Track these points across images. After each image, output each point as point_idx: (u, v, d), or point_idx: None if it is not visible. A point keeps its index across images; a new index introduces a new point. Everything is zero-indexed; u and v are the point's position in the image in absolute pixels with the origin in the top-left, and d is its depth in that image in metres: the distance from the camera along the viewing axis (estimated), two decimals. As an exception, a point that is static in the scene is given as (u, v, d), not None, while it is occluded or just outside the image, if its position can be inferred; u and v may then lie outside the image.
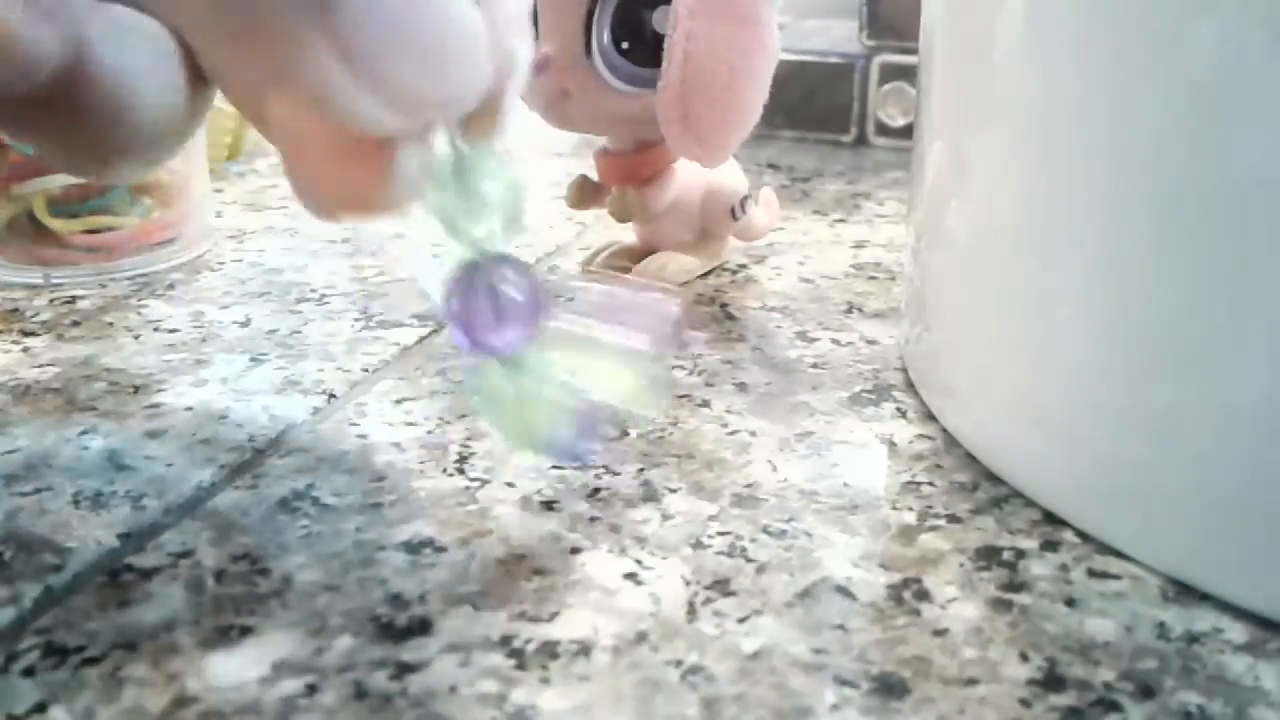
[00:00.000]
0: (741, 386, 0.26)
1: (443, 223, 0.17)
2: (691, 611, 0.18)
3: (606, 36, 0.28)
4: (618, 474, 0.22)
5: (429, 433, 0.23)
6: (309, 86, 0.14)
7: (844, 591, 0.18)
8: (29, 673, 0.16)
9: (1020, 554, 0.19)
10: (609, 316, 0.19)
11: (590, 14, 0.28)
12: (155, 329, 0.29)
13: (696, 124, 0.27)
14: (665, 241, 0.32)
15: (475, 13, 0.15)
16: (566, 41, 0.28)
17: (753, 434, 0.23)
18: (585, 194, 0.32)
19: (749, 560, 0.19)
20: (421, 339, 0.28)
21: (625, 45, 0.28)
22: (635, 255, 0.33)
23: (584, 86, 0.28)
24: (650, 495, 0.21)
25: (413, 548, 0.19)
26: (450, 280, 0.18)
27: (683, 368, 0.27)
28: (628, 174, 0.31)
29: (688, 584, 0.18)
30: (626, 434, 0.23)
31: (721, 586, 0.18)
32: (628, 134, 0.30)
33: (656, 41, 0.27)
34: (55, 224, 0.31)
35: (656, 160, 0.30)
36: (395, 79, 0.14)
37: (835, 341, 0.28)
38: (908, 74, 0.47)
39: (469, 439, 0.23)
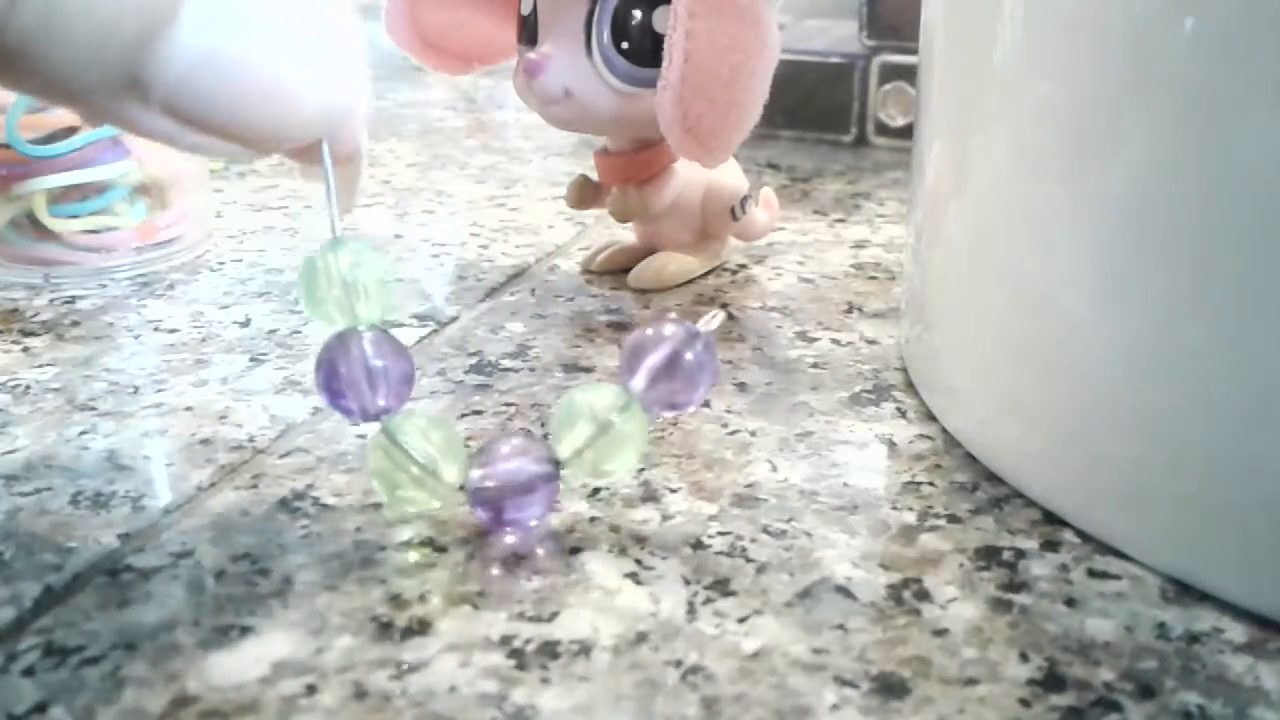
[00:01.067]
0: (741, 386, 0.26)
1: (318, 308, 0.19)
2: (691, 611, 0.18)
3: (606, 36, 0.28)
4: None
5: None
6: (155, 136, 0.16)
7: (844, 591, 0.18)
8: (29, 673, 0.16)
9: (1020, 554, 0.19)
10: None
11: (590, 14, 0.28)
12: (155, 329, 0.29)
13: (696, 124, 0.27)
14: (665, 241, 0.32)
15: (284, 66, 0.16)
16: (566, 41, 0.28)
17: (753, 434, 0.23)
18: (585, 194, 0.32)
19: (749, 560, 0.19)
20: (421, 339, 0.28)
21: (625, 45, 0.28)
22: (635, 255, 0.33)
23: (584, 86, 0.28)
24: (650, 495, 0.21)
25: (413, 548, 0.19)
26: (322, 354, 0.19)
27: (683, 368, 0.27)
28: (628, 174, 0.31)
29: (688, 584, 0.18)
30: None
31: (721, 586, 0.18)
32: (628, 134, 0.30)
33: (656, 41, 0.27)
34: (55, 224, 0.31)
35: (656, 160, 0.30)
36: (223, 129, 0.16)
37: (835, 341, 0.28)
38: (908, 74, 0.47)
39: (469, 439, 0.23)
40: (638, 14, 0.27)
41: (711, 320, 0.19)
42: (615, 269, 0.33)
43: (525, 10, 0.29)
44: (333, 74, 0.17)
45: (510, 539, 0.19)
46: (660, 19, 0.27)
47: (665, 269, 0.32)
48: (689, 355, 0.19)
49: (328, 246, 0.19)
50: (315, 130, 0.17)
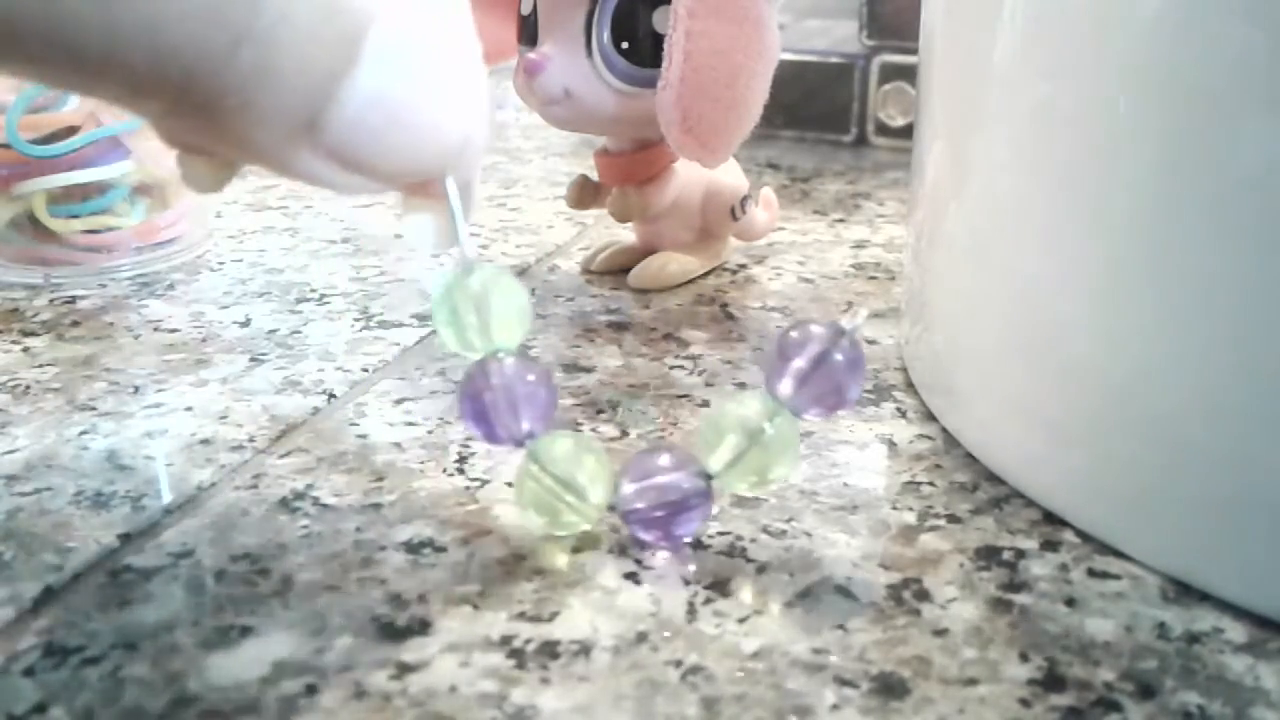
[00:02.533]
0: (741, 387, 0.26)
1: (457, 335, 0.19)
2: (691, 611, 0.18)
3: (606, 36, 0.28)
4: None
5: (429, 433, 0.23)
6: (305, 178, 0.16)
7: (844, 591, 0.18)
8: (29, 673, 0.16)
9: (1020, 554, 0.19)
10: None
11: (590, 14, 0.28)
12: (155, 329, 0.29)
13: (697, 124, 0.27)
14: (665, 241, 0.32)
15: (440, 105, 0.17)
16: (566, 41, 0.28)
17: (753, 434, 0.23)
18: (585, 194, 0.32)
19: (749, 560, 0.19)
20: (421, 339, 0.28)
21: (625, 45, 0.28)
22: (635, 255, 0.33)
23: (584, 86, 0.28)
24: (650, 495, 0.21)
25: (413, 548, 0.19)
26: (464, 384, 0.19)
27: (682, 368, 0.27)
28: (628, 174, 0.31)
29: (688, 584, 0.18)
30: (626, 434, 0.23)
31: (721, 586, 0.18)
32: (628, 134, 0.30)
33: (656, 41, 0.27)
34: (55, 224, 0.31)
35: (656, 160, 0.30)
36: (379, 168, 0.16)
37: (835, 341, 0.28)
38: (908, 74, 0.47)
39: (469, 439, 0.23)
40: (638, 14, 0.27)
41: (856, 315, 0.19)
42: (615, 269, 0.33)
43: (525, 10, 0.29)
44: (469, 108, 0.17)
45: (665, 555, 0.19)
46: (660, 19, 0.27)
47: (665, 269, 0.32)
48: (837, 355, 0.18)
49: (463, 273, 0.19)
50: (450, 163, 0.18)
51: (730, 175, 0.32)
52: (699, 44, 0.26)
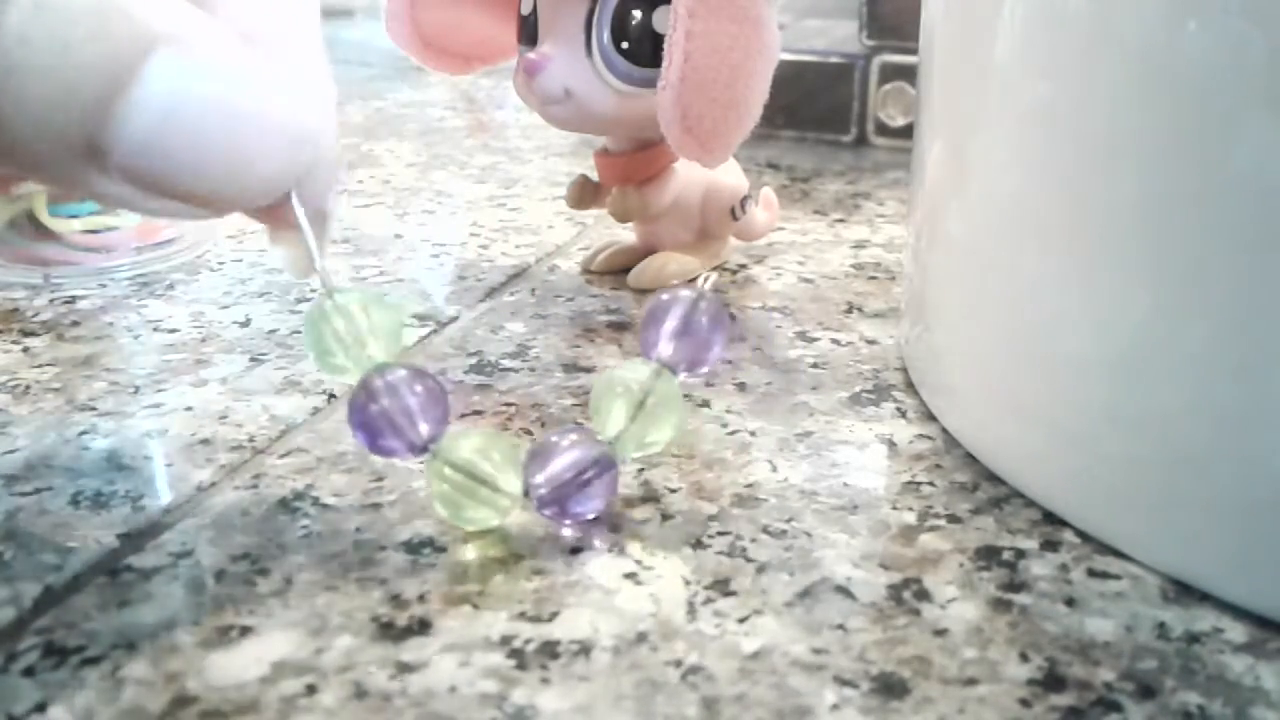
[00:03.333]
0: (741, 386, 0.26)
1: (328, 363, 0.19)
2: (691, 611, 0.18)
3: (606, 36, 0.28)
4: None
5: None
6: (112, 202, 0.16)
7: (844, 591, 0.18)
8: (29, 673, 0.16)
9: (1020, 554, 0.19)
10: None
11: (590, 14, 0.28)
12: (155, 329, 0.29)
13: (696, 124, 0.26)
14: (665, 241, 0.32)
15: (247, 123, 0.16)
16: (566, 41, 0.28)
17: (753, 434, 0.23)
18: (585, 194, 0.32)
19: (749, 560, 0.19)
20: (421, 339, 0.28)
21: (625, 45, 0.28)
22: (635, 255, 0.33)
23: (584, 86, 0.28)
24: (650, 495, 0.21)
25: (413, 548, 0.19)
26: (351, 407, 0.19)
27: (683, 368, 0.27)
28: (628, 174, 0.31)
29: (688, 584, 0.18)
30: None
31: (721, 586, 0.18)
32: (628, 134, 0.30)
33: (656, 41, 0.27)
34: (55, 224, 0.31)
35: (656, 160, 0.30)
36: (180, 189, 0.16)
37: (835, 341, 0.28)
38: (908, 74, 0.47)
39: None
40: (638, 14, 0.27)
41: (705, 283, 0.20)
42: (615, 269, 0.33)
43: (525, 10, 0.29)
44: (298, 127, 0.17)
45: (569, 531, 0.20)
46: (660, 19, 0.27)
47: (665, 269, 0.32)
48: (700, 316, 0.20)
49: (323, 298, 0.19)
50: (281, 188, 0.17)
51: (730, 175, 0.32)
52: (699, 44, 0.26)
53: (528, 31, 0.29)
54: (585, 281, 0.33)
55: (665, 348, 0.20)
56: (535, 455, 0.19)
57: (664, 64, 0.26)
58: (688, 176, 0.31)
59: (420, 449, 0.19)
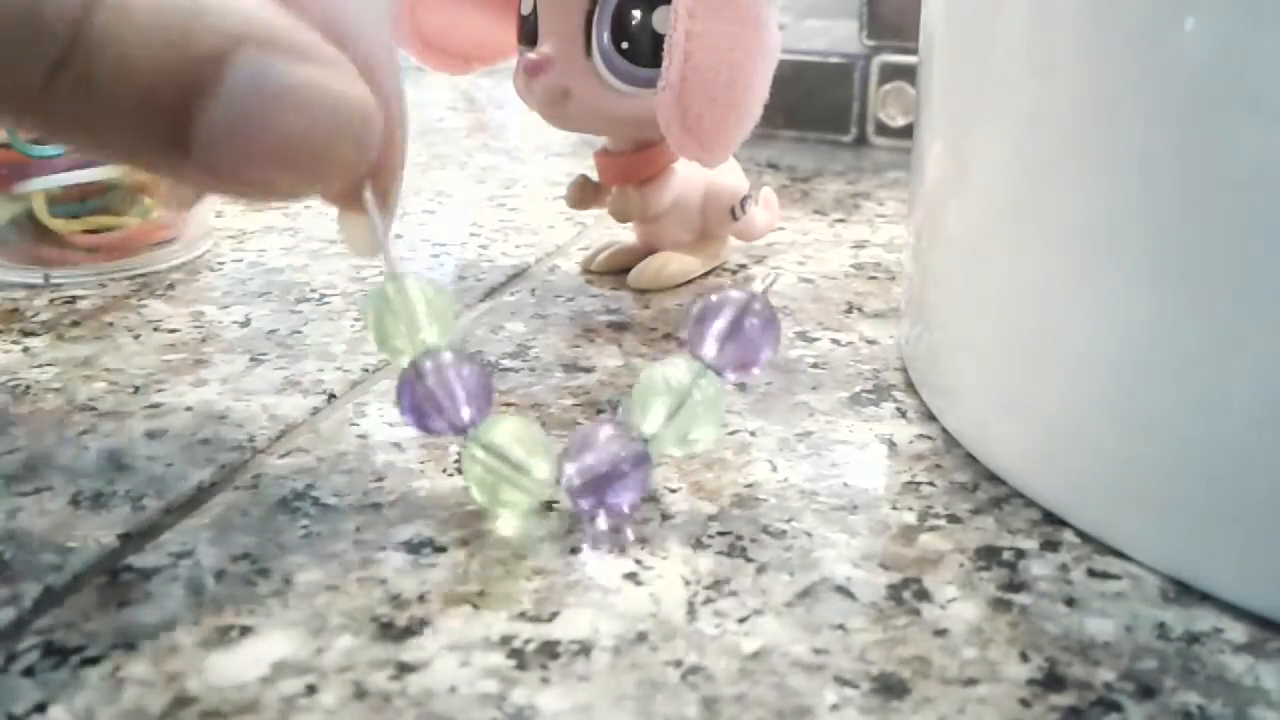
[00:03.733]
0: (741, 386, 0.26)
1: (382, 341, 0.20)
2: (691, 611, 0.18)
3: (606, 36, 0.28)
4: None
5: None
6: (195, 186, 0.17)
7: (844, 591, 0.18)
8: (29, 673, 0.16)
9: (1020, 554, 0.19)
10: None
11: (590, 14, 0.28)
12: (155, 329, 0.29)
13: (696, 124, 0.27)
14: (665, 241, 0.32)
15: (318, 119, 0.16)
16: (566, 41, 0.28)
17: (753, 434, 0.23)
18: (585, 194, 0.32)
19: (749, 560, 0.19)
20: (421, 339, 0.28)
21: (625, 45, 0.28)
22: (635, 255, 0.33)
23: (584, 86, 0.28)
24: (650, 495, 0.21)
25: (413, 548, 0.19)
26: (400, 386, 0.20)
27: (683, 368, 0.27)
28: (628, 174, 0.31)
29: (688, 584, 0.18)
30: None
31: (721, 586, 0.18)
32: (628, 134, 0.30)
33: (656, 41, 0.27)
34: (55, 224, 0.31)
35: (656, 160, 0.30)
36: (260, 179, 0.16)
37: (835, 341, 0.28)
38: (908, 74, 0.47)
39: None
40: (638, 14, 0.27)
41: (767, 279, 0.20)
42: (615, 269, 0.33)
43: (525, 10, 0.29)
44: (375, 120, 0.17)
45: (605, 524, 0.20)
46: (660, 19, 0.27)
47: (665, 269, 0.32)
48: (752, 319, 0.20)
49: (385, 281, 0.19)
50: (354, 176, 0.17)
51: (730, 175, 0.32)
52: (699, 44, 0.26)
53: (528, 31, 0.29)
54: (585, 281, 0.33)
55: (710, 348, 0.20)
56: (574, 445, 0.20)
57: (664, 64, 0.26)
58: (688, 176, 0.31)
59: (461, 430, 0.20)
